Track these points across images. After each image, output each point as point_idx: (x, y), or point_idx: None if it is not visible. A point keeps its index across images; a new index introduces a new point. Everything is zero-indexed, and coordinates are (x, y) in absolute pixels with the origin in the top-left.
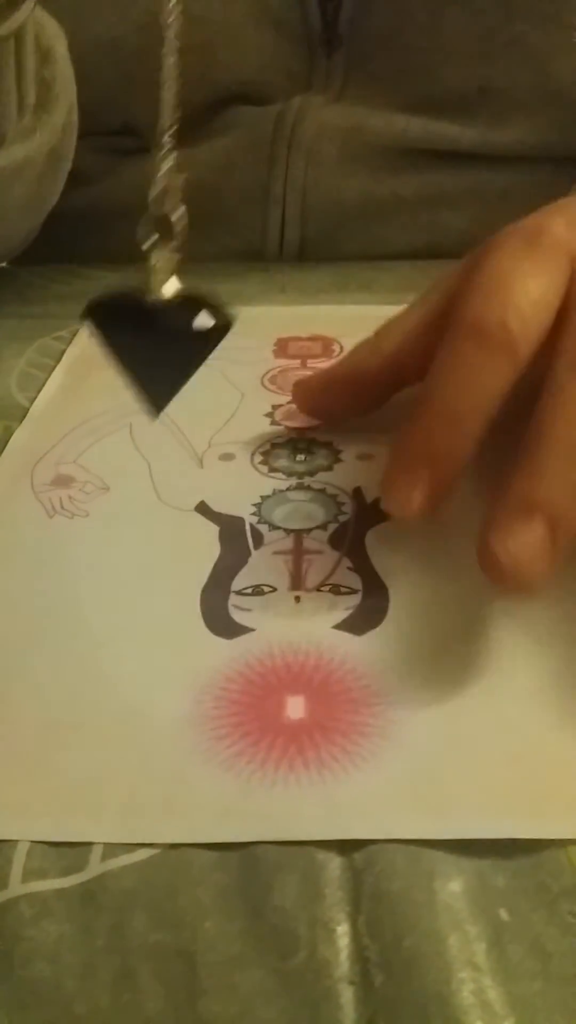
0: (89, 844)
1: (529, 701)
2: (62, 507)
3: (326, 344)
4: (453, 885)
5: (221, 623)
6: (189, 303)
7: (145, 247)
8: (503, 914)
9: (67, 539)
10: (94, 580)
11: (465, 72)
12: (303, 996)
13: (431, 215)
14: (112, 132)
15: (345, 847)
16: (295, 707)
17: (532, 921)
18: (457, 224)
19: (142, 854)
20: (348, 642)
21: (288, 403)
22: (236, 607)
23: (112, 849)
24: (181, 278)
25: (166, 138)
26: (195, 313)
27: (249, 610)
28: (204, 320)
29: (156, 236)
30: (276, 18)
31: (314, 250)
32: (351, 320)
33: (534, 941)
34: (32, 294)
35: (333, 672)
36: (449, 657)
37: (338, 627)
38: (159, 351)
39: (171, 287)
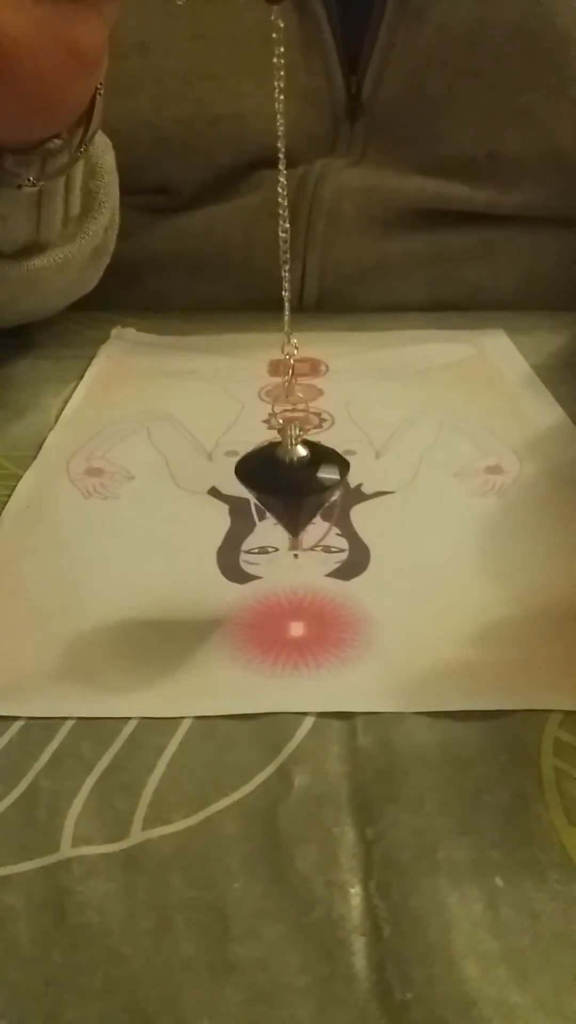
0: (130, 815)
1: (479, 616)
2: (96, 491)
3: (313, 364)
4: (455, 855)
5: (235, 573)
6: (314, 458)
7: (279, 429)
8: (498, 881)
9: (103, 516)
10: (129, 546)
11: (476, 139)
12: (320, 944)
13: (441, 270)
14: (148, 191)
15: (359, 822)
16: (296, 628)
17: (524, 887)
18: (466, 278)
19: (178, 825)
20: (338, 585)
21: (282, 411)
22: (246, 562)
23: (151, 820)
24: (216, 323)
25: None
26: (318, 466)
27: (257, 564)
28: (328, 472)
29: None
30: (305, 91)
31: (332, 301)
32: (335, 343)
33: (525, 903)
34: (68, 339)
35: (326, 606)
36: (414, 592)
37: (330, 575)
38: (294, 494)
39: (302, 449)
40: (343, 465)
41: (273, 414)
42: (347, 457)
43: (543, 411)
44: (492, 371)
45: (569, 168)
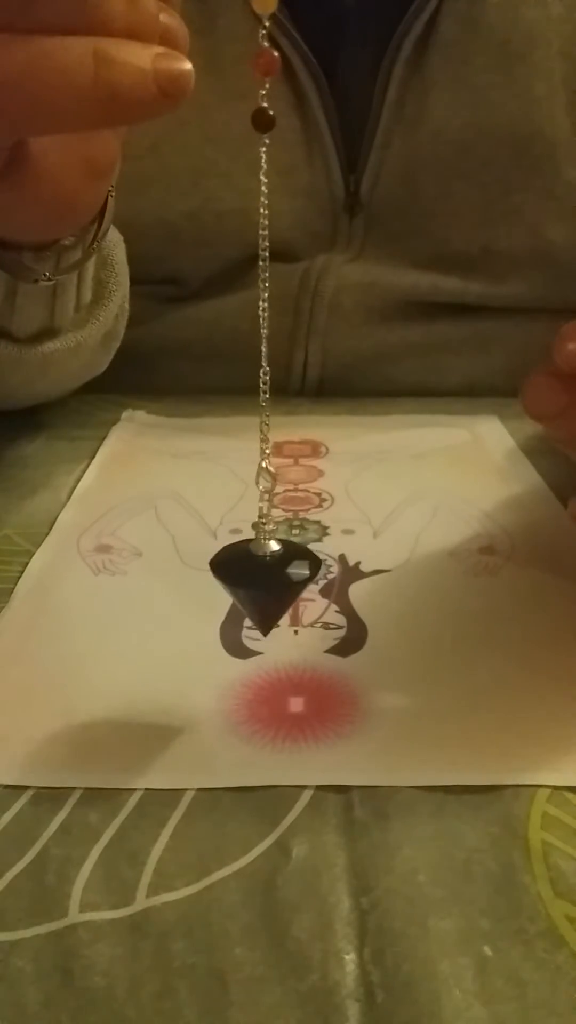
0: (135, 882)
1: (471, 694)
2: (105, 567)
3: (314, 446)
4: (445, 924)
5: (236, 648)
6: (287, 554)
7: (255, 525)
8: (487, 949)
9: (111, 591)
10: (136, 621)
11: (469, 236)
12: (316, 1010)
13: (436, 359)
14: (158, 282)
15: (355, 892)
16: (296, 704)
17: (511, 956)
18: (460, 366)
19: (181, 892)
20: (336, 661)
21: (284, 491)
22: (248, 637)
23: (155, 888)
24: (221, 407)
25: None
26: (291, 562)
27: (258, 640)
28: (300, 568)
29: (268, 519)
30: (306, 189)
31: (333, 387)
32: (335, 427)
33: (512, 972)
34: (81, 420)
35: (324, 681)
36: (410, 669)
37: (328, 651)
38: (269, 588)
39: (275, 545)
40: (315, 563)
41: (275, 495)
42: (346, 536)
43: (534, 494)
44: (485, 455)
45: (558, 262)
